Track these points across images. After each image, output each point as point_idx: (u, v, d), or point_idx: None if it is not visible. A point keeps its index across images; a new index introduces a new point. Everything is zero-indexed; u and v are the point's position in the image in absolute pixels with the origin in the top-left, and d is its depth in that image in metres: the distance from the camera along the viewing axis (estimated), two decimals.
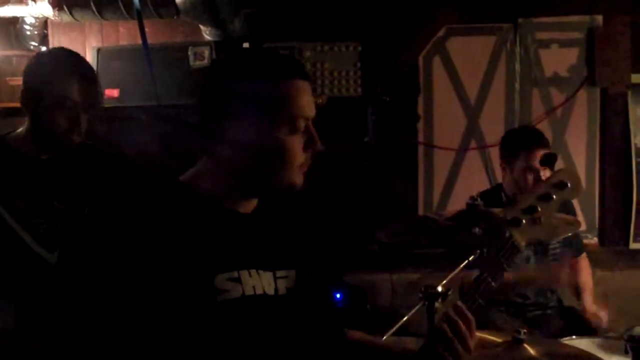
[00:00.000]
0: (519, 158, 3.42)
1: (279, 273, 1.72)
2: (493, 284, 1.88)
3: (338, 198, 4.71)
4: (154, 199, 1.65)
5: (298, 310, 1.74)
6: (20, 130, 2.65)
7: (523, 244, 1.88)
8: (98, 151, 2.83)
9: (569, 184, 1.99)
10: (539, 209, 1.97)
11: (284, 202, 1.83)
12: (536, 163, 3.33)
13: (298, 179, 1.68)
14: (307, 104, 1.67)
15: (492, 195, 3.48)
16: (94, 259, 1.57)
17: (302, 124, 1.66)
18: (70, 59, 2.61)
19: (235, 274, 1.60)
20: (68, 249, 2.43)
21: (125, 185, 2.30)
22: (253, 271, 1.65)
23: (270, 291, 1.68)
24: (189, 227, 1.59)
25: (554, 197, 2.00)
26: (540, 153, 3.32)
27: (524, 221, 1.95)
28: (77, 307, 1.57)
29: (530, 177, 3.37)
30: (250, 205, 1.74)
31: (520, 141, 3.52)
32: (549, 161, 2.96)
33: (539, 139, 3.49)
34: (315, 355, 1.78)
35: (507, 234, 1.86)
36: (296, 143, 1.65)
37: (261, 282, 1.65)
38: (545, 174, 3.30)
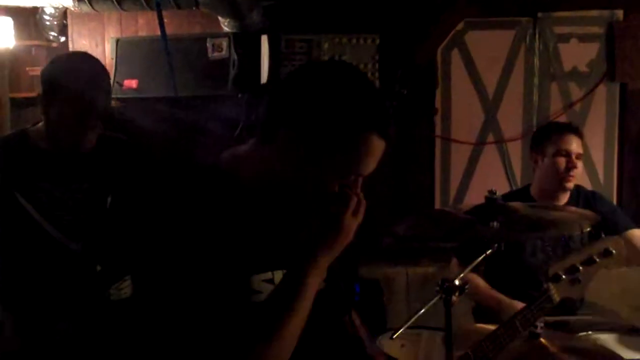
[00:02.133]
0: (551, 142, 3.35)
1: None
2: (520, 329, 1.88)
3: None
4: (189, 190, 1.64)
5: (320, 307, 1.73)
6: (40, 124, 2.70)
7: (557, 299, 1.88)
8: (118, 142, 2.88)
9: (614, 252, 2.01)
10: (581, 270, 1.98)
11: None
12: (569, 147, 3.30)
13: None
14: (369, 163, 1.59)
15: (518, 196, 3.38)
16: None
17: (352, 178, 1.60)
18: (84, 64, 2.66)
19: (270, 275, 1.60)
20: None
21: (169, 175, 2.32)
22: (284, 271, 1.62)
23: None
24: (224, 219, 1.57)
25: (597, 261, 2.01)
26: (573, 138, 3.31)
27: (563, 277, 1.96)
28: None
29: (562, 161, 3.29)
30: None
31: (553, 127, 3.51)
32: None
33: (571, 126, 3.47)
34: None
35: (545, 286, 1.86)
36: (336, 188, 1.59)
37: None
38: (577, 162, 3.29)
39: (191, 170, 1.72)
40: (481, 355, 2.01)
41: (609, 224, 3.21)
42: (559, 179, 3.32)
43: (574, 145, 3.33)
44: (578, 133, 3.39)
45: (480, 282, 3.27)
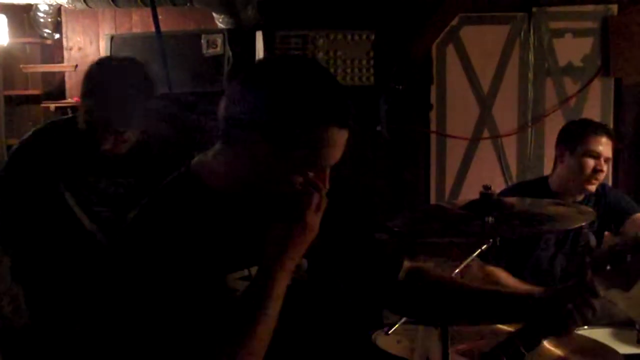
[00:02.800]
0: (583, 140, 3.23)
1: None
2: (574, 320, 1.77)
3: (349, 187, 4.70)
4: (170, 195, 1.66)
5: (305, 299, 1.73)
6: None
7: (602, 293, 1.78)
8: (163, 141, 2.87)
9: None
10: (628, 259, 1.77)
11: None
12: (600, 149, 3.21)
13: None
14: (335, 153, 1.59)
15: (536, 188, 3.34)
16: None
17: (317, 170, 1.59)
18: (122, 71, 2.63)
19: (246, 272, 1.60)
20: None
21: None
22: None
23: None
24: (199, 223, 1.58)
25: None
26: (605, 141, 3.22)
27: (608, 268, 1.80)
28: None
29: (591, 163, 3.19)
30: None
31: (588, 125, 3.37)
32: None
33: (606, 128, 3.38)
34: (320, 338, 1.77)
35: (588, 277, 1.77)
36: (305, 179, 1.58)
37: None
38: (604, 166, 3.22)
39: (164, 178, 1.73)
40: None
41: (617, 216, 3.21)
42: (584, 180, 3.22)
43: (605, 148, 3.23)
44: (611, 136, 3.30)
45: (512, 278, 3.20)
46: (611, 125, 4.89)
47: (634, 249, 1.79)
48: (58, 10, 4.68)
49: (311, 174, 1.58)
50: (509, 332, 1.97)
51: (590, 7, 4.88)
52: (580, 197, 3.30)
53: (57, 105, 4.65)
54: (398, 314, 2.16)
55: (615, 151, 4.53)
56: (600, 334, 2.76)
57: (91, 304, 2.65)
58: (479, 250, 2.44)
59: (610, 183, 4.87)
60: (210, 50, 4.58)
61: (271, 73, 1.60)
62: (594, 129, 3.30)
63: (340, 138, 1.57)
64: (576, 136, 3.29)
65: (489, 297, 1.87)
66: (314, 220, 1.56)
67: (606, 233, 3.39)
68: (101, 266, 2.63)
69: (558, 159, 3.37)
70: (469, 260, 2.48)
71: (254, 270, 1.60)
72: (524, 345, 1.85)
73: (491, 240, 2.45)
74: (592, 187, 3.24)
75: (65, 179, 2.66)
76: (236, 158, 1.61)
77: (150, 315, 1.55)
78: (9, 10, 4.54)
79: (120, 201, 2.72)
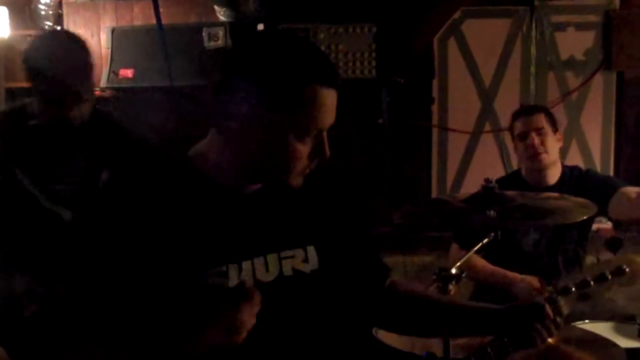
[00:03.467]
0: (513, 128, 3.42)
1: (284, 253, 1.68)
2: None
3: (351, 180, 4.71)
4: (156, 177, 1.64)
5: (309, 288, 1.72)
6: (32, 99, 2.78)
7: (566, 312, 1.89)
8: (111, 117, 2.96)
9: (627, 271, 2.01)
10: (592, 286, 2.00)
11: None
12: (524, 129, 3.32)
13: (297, 181, 1.63)
14: (326, 114, 1.58)
15: (511, 181, 3.39)
16: (101, 228, 1.58)
17: (313, 133, 1.58)
18: (61, 44, 2.74)
19: (224, 268, 1.58)
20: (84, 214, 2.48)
21: (134, 161, 2.30)
22: (246, 262, 1.62)
23: (269, 277, 1.64)
24: (185, 212, 1.58)
25: (609, 279, 2.02)
26: (527, 118, 3.34)
27: (573, 290, 1.97)
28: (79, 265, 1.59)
29: (523, 144, 3.32)
30: (254, 185, 1.69)
31: (514, 113, 3.50)
32: (614, 245, 2.89)
33: (524, 108, 3.54)
34: (323, 333, 1.76)
35: (553, 297, 1.87)
36: (303, 150, 1.58)
37: (253, 272, 1.62)
38: (535, 139, 3.29)
39: (159, 162, 1.72)
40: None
41: (603, 192, 3.21)
42: (528, 159, 3.33)
43: (527, 125, 3.33)
44: (531, 112, 3.40)
45: (480, 261, 3.24)
46: (613, 119, 4.90)
47: (598, 278, 1.95)
48: (59, 2, 4.68)
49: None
50: (482, 341, 2.00)
51: (592, 1, 4.87)
52: (552, 180, 3.36)
53: None
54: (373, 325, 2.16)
55: (617, 145, 4.55)
56: (602, 328, 2.76)
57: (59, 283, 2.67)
58: (481, 243, 2.44)
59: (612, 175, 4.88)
60: (212, 43, 4.57)
61: (254, 47, 1.61)
62: (515, 114, 3.46)
63: (330, 98, 1.58)
64: (510, 126, 3.46)
65: (458, 312, 1.89)
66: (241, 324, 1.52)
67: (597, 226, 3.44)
68: (65, 243, 2.67)
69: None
70: (469, 254, 2.47)
71: (231, 267, 1.59)
72: (495, 354, 1.89)
73: (492, 233, 2.44)
74: (540, 161, 3.31)
75: (15, 159, 2.70)
76: (231, 141, 1.60)
77: (119, 299, 1.53)
78: (11, 2, 4.53)
79: (75, 178, 2.75)
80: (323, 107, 1.57)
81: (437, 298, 2.05)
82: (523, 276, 3.13)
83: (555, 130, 3.34)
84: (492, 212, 2.29)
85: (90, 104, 2.77)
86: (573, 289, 1.99)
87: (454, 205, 2.44)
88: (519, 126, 3.36)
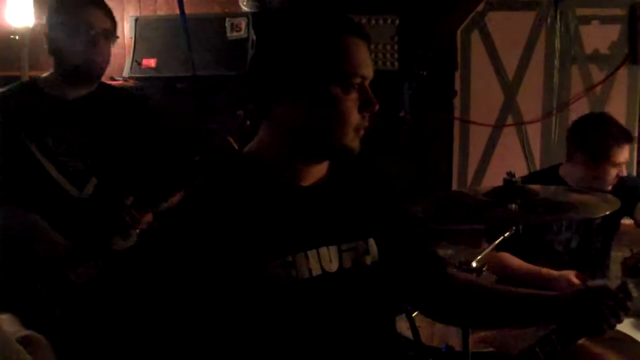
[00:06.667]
0: (609, 154, 3.19)
1: (345, 246, 1.69)
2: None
3: (384, 174, 4.70)
4: (219, 178, 1.67)
5: (370, 280, 1.72)
6: (50, 72, 2.82)
7: (636, 294, 1.83)
8: (121, 92, 3.01)
9: None
10: None
11: (352, 172, 1.80)
12: (623, 160, 3.20)
13: (354, 141, 1.65)
14: (364, 62, 1.63)
15: (547, 179, 3.31)
16: (165, 244, 1.62)
17: (357, 83, 1.62)
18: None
19: (290, 258, 1.60)
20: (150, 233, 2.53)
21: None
22: (312, 251, 1.63)
23: (332, 268, 1.66)
24: (246, 208, 1.59)
25: None
26: (628, 148, 3.21)
27: None
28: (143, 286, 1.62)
29: (613, 172, 3.19)
30: (313, 177, 1.71)
31: (610, 135, 3.24)
32: (634, 272, 2.84)
33: (630, 135, 3.30)
34: (378, 325, 1.76)
35: (622, 280, 1.81)
36: (351, 102, 1.61)
37: (319, 262, 1.64)
38: (624, 170, 3.21)
39: (216, 159, 1.78)
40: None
41: (633, 195, 3.19)
42: (606, 185, 3.22)
43: (627, 155, 3.24)
44: (632, 140, 3.29)
45: (516, 260, 3.23)
46: (637, 114, 4.85)
47: None
48: None
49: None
50: (548, 330, 1.97)
51: None
52: None
53: None
54: (429, 317, 2.15)
55: None
56: (622, 324, 2.74)
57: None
58: (502, 237, 2.43)
59: (634, 173, 4.84)
60: (234, 34, 4.57)
61: (277, 27, 1.67)
62: (617, 139, 3.22)
63: (364, 48, 1.64)
64: (599, 146, 3.22)
65: (521, 300, 1.86)
66: None
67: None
68: (72, 217, 2.72)
69: (572, 157, 3.34)
70: (490, 247, 2.47)
71: (298, 257, 1.60)
72: (560, 343, 1.86)
73: (514, 227, 2.43)
74: (611, 188, 3.21)
75: (28, 132, 2.72)
76: (285, 125, 1.63)
77: (187, 297, 1.56)
78: None
79: (85, 152, 2.77)
80: (361, 55, 1.62)
81: (497, 288, 2.00)
82: (560, 272, 3.10)
83: None
84: (514, 206, 2.28)
85: (106, 57, 2.80)
86: None
87: (475, 199, 2.44)
88: (621, 155, 3.21)
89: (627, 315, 2.81)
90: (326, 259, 1.65)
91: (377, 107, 1.65)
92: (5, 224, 2.69)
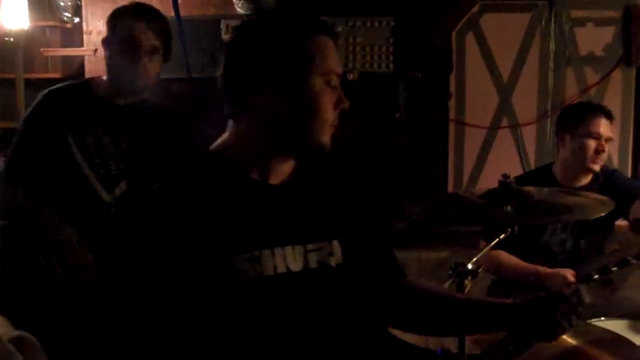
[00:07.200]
0: (582, 123, 3.30)
1: (310, 246, 1.70)
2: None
3: (368, 174, 4.71)
4: (188, 175, 1.68)
5: (334, 281, 1.73)
6: (104, 77, 2.88)
7: (588, 300, 1.85)
8: (163, 107, 3.04)
9: None
10: (613, 271, 1.97)
11: (319, 172, 1.82)
12: (600, 130, 3.26)
13: (327, 137, 1.68)
14: (336, 60, 1.69)
15: (540, 176, 3.41)
16: (133, 241, 1.64)
17: (333, 80, 1.67)
18: (138, 6, 2.89)
19: (256, 253, 1.61)
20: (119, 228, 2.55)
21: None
22: (278, 249, 1.64)
23: (297, 267, 1.67)
24: (215, 203, 1.61)
25: (631, 263, 2.00)
26: (605, 121, 3.28)
27: (595, 277, 1.94)
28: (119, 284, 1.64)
29: (592, 144, 3.26)
30: (281, 175, 1.73)
31: (586, 107, 3.45)
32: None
33: (604, 108, 3.40)
34: (348, 327, 1.77)
35: (575, 288, 1.83)
36: (328, 98, 1.66)
37: (285, 260, 1.65)
38: (606, 146, 3.27)
39: (163, 141, 1.79)
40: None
41: (626, 197, 3.21)
42: (586, 161, 3.29)
43: (605, 129, 3.29)
44: (610, 116, 3.35)
45: (513, 258, 3.24)
46: (632, 115, 4.87)
47: (620, 263, 1.91)
48: None
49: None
50: (504, 335, 1.98)
51: None
52: (585, 181, 3.35)
53: None
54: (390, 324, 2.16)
55: (635, 140, 4.53)
56: (616, 325, 2.74)
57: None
58: (497, 239, 2.43)
59: (629, 174, 4.85)
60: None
61: (249, 26, 1.74)
62: (593, 110, 3.36)
63: (333, 46, 1.70)
64: (576, 119, 3.35)
65: (474, 309, 1.87)
66: None
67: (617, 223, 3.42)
68: (99, 219, 2.77)
69: (560, 145, 3.42)
70: (486, 249, 2.47)
71: (264, 253, 1.62)
72: (515, 348, 1.87)
73: (509, 229, 2.44)
74: (597, 167, 3.31)
75: (71, 128, 2.79)
76: (258, 121, 1.66)
77: (158, 290, 1.58)
78: None
79: (122, 157, 2.83)
80: (332, 53, 1.68)
81: (452, 296, 2.02)
82: (557, 270, 3.12)
83: None
84: (509, 208, 2.28)
85: (155, 72, 2.86)
86: (595, 275, 1.96)
87: (471, 201, 2.44)
88: (598, 125, 3.29)
89: (624, 317, 2.84)
90: (291, 258, 1.66)
91: (348, 104, 1.69)
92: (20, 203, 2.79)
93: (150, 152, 2.85)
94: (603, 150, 3.27)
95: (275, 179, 1.71)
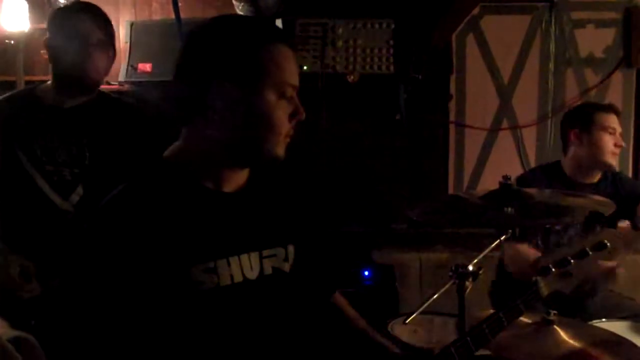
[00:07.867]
0: (597, 119, 3.37)
1: (266, 252, 1.71)
2: (506, 324, 1.90)
3: (368, 176, 4.71)
4: (141, 185, 1.65)
5: (287, 286, 1.75)
6: (48, 82, 2.81)
7: (546, 293, 1.88)
8: (119, 102, 2.95)
9: (608, 245, 1.99)
10: (572, 263, 1.98)
11: (272, 179, 1.82)
12: (616, 125, 3.35)
13: (281, 149, 1.66)
14: (293, 71, 1.65)
15: (551, 171, 3.47)
16: (95, 250, 1.60)
17: (288, 92, 1.64)
18: (80, 4, 2.84)
19: (212, 264, 1.60)
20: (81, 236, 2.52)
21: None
22: (234, 258, 1.64)
23: (253, 275, 1.67)
24: (169, 214, 1.59)
25: (590, 254, 2.00)
26: (617, 118, 3.38)
27: (553, 270, 1.95)
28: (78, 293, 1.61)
29: (610, 138, 3.34)
30: (235, 183, 1.71)
31: (598, 106, 3.53)
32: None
33: (615, 107, 3.51)
34: (297, 331, 1.78)
35: (533, 280, 1.85)
36: (282, 110, 1.63)
37: (241, 268, 1.65)
38: (621, 140, 3.35)
39: (117, 140, 1.77)
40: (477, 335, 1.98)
41: (631, 199, 3.23)
42: (605, 156, 3.34)
43: (618, 125, 3.38)
44: (619, 113, 3.45)
45: (531, 250, 3.24)
46: (632, 117, 4.87)
47: (578, 255, 1.92)
48: None
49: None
50: None
51: None
52: (595, 179, 3.37)
53: None
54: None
55: (636, 142, 4.53)
56: (618, 327, 2.75)
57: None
58: (498, 241, 2.43)
59: (630, 173, 4.85)
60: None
61: (204, 32, 1.68)
62: (601, 107, 3.48)
63: (290, 55, 1.65)
64: (589, 116, 3.41)
65: (363, 342, 1.91)
66: None
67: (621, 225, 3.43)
68: (59, 227, 2.69)
69: (572, 143, 3.44)
70: (486, 251, 2.46)
71: (220, 263, 1.61)
72: None
73: (510, 231, 2.43)
74: (614, 161, 3.37)
75: (19, 140, 2.72)
76: (213, 128, 1.63)
77: (116, 302, 1.55)
78: None
79: (75, 161, 2.74)
80: (290, 63, 1.64)
81: (356, 324, 2.00)
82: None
83: None
84: (509, 209, 2.28)
85: (107, 61, 2.81)
86: (553, 268, 1.97)
87: (471, 202, 2.43)
88: (612, 121, 3.37)
89: (626, 319, 2.84)
90: (247, 266, 1.66)
91: (304, 115, 1.66)
92: None
93: (105, 151, 2.76)
94: (621, 145, 3.35)
95: (229, 187, 1.70)
